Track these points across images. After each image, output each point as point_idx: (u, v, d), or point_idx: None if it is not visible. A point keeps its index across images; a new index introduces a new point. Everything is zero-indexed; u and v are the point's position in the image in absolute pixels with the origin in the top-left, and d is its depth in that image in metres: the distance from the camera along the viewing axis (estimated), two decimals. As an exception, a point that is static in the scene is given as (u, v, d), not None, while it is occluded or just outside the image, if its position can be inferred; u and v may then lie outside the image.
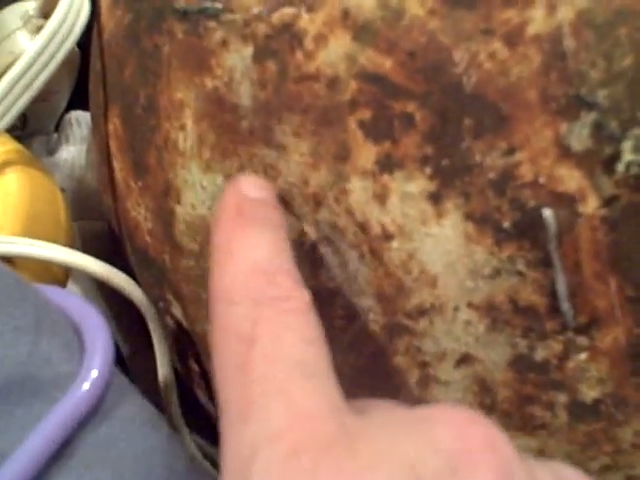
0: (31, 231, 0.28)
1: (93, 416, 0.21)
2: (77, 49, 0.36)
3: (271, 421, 0.16)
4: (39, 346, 0.22)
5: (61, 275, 0.30)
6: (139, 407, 0.23)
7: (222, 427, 0.17)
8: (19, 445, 0.20)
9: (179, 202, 0.27)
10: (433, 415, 0.17)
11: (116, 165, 0.30)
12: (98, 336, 0.23)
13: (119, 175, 0.30)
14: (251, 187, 0.21)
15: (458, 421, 0.17)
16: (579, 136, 0.19)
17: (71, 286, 0.34)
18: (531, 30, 0.19)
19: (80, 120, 0.38)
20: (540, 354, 0.21)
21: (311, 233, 0.23)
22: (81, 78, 0.38)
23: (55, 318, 0.24)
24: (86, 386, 0.22)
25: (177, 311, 0.30)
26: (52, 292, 0.24)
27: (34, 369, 0.22)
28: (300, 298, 0.19)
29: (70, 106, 0.41)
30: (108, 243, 0.37)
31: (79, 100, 0.41)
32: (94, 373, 0.22)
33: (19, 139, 0.34)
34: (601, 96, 0.19)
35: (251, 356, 0.17)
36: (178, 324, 0.31)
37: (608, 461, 0.22)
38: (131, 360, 0.35)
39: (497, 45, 0.19)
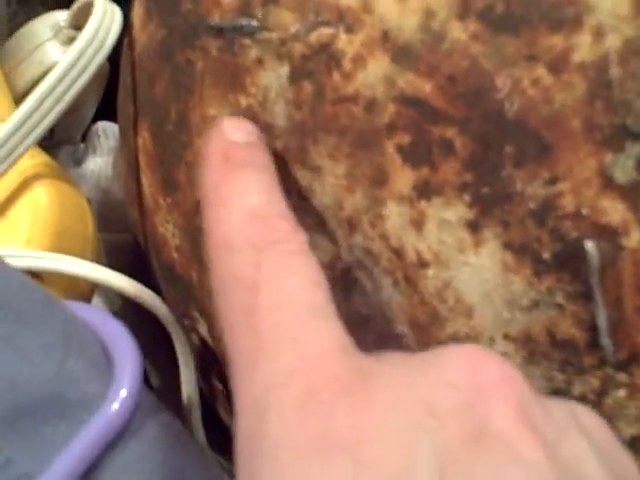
0: (59, 245, 0.28)
1: (121, 437, 0.21)
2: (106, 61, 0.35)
3: (283, 365, 0.16)
4: (67, 364, 0.22)
5: (87, 289, 0.30)
6: (167, 426, 0.23)
7: (233, 378, 0.17)
8: (47, 467, 0.20)
9: (208, 220, 0.27)
10: (445, 353, 0.17)
11: (144, 180, 0.30)
12: (126, 355, 0.23)
13: (147, 190, 0.30)
14: (235, 130, 0.21)
15: (471, 357, 0.17)
16: (624, 167, 0.19)
17: (95, 299, 0.33)
18: (577, 57, 0.19)
19: (107, 131, 0.38)
20: (577, 389, 0.20)
21: (344, 257, 0.23)
22: (108, 89, 0.38)
23: (83, 336, 0.23)
24: (115, 407, 0.21)
25: (202, 329, 0.30)
26: (80, 309, 0.24)
27: (62, 388, 0.21)
28: (299, 240, 0.19)
29: (97, 116, 0.41)
30: (132, 256, 0.37)
31: (106, 111, 0.41)
32: (123, 393, 0.22)
33: (46, 149, 0.34)
34: (649, 127, 0.18)
35: (258, 302, 0.17)
36: (203, 342, 0.30)
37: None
38: (151, 375, 0.35)
39: (541, 71, 0.19)
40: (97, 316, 0.24)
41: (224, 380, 0.30)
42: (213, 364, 0.31)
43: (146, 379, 0.35)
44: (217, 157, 0.20)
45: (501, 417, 0.15)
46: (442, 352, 0.17)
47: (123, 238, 0.37)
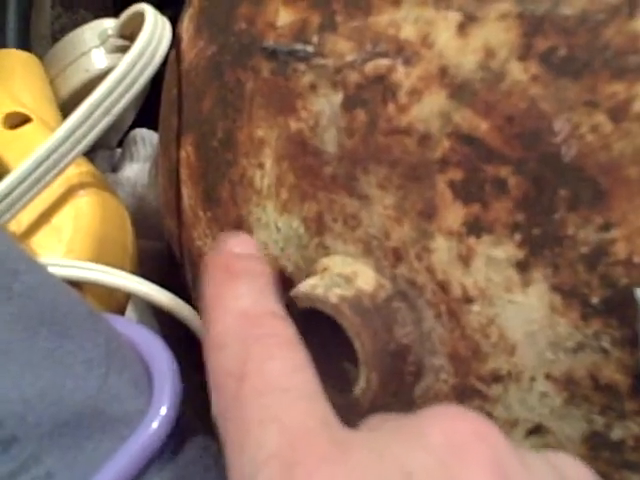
0: (99, 254, 0.28)
1: (159, 457, 0.21)
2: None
3: (267, 445, 0.17)
4: (109, 381, 0.22)
5: (123, 299, 0.30)
6: (203, 449, 0.23)
7: (226, 459, 0.18)
8: (87, 482, 0.20)
9: (250, 239, 0.27)
10: (422, 416, 0.18)
11: (185, 192, 0.30)
12: (167, 373, 0.23)
13: (187, 203, 0.30)
14: (236, 244, 0.22)
15: (446, 417, 0.17)
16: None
17: (129, 306, 0.34)
18: (637, 107, 0.19)
19: (145, 139, 0.39)
20: (617, 433, 0.21)
21: (388, 286, 0.23)
22: (146, 97, 0.38)
23: (125, 352, 0.23)
24: (155, 425, 0.21)
25: (235, 344, 0.30)
26: (121, 324, 0.24)
27: (103, 404, 0.22)
28: (284, 332, 0.20)
29: (134, 124, 0.41)
30: (163, 263, 0.37)
31: (143, 118, 0.41)
32: (163, 411, 0.22)
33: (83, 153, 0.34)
34: None
35: (244, 390, 0.18)
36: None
37: None
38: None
39: (601, 118, 0.19)
40: (138, 331, 0.25)
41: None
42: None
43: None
44: (219, 268, 0.21)
45: (477, 474, 0.16)
46: (420, 415, 0.18)
47: (155, 245, 0.37)
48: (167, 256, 0.36)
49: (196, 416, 0.25)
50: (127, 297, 0.31)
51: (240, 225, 0.27)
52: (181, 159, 0.30)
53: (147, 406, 0.22)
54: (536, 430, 0.22)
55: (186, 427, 0.23)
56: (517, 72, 0.20)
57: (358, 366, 0.23)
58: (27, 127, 0.31)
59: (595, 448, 0.21)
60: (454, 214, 0.21)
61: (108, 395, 0.22)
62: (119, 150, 0.39)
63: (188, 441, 0.22)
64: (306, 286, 0.23)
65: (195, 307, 0.31)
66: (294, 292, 0.23)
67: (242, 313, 0.20)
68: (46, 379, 0.21)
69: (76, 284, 0.27)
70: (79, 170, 0.29)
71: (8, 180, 0.27)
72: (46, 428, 0.21)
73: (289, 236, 0.25)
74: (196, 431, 0.23)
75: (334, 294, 0.23)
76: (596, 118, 0.19)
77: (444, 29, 0.21)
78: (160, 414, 0.22)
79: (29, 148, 0.28)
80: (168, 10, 0.35)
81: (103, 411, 0.22)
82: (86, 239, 0.28)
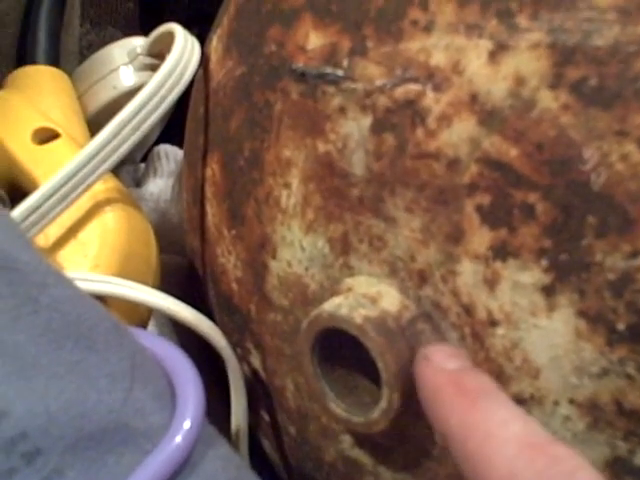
0: (125, 270, 0.29)
1: (182, 470, 0.22)
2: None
3: None
4: (133, 394, 0.22)
5: (146, 313, 0.31)
6: (225, 461, 0.23)
7: None
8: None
9: (275, 257, 0.27)
10: None
11: (209, 210, 0.31)
12: (190, 387, 0.23)
13: (212, 220, 0.31)
14: (446, 358, 0.21)
15: None
16: None
17: (151, 321, 0.34)
18: (666, 137, 0.19)
19: (169, 154, 0.39)
20: (639, 459, 0.21)
21: (412, 307, 0.23)
22: (171, 113, 0.39)
23: (149, 365, 0.24)
24: (178, 439, 0.22)
25: (255, 361, 0.30)
26: (145, 338, 0.25)
27: (127, 418, 0.22)
28: (575, 459, 0.18)
29: (158, 139, 0.41)
30: (184, 278, 0.38)
31: (166, 134, 0.42)
32: (186, 425, 0.22)
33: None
34: None
35: None
36: (254, 373, 0.31)
37: None
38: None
39: (630, 147, 0.19)
40: (162, 345, 0.25)
41: (271, 412, 0.31)
42: (262, 395, 0.31)
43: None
44: (448, 389, 0.20)
45: None
46: None
47: (177, 260, 0.38)
48: (188, 271, 0.36)
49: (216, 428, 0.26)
50: (149, 312, 0.31)
51: (265, 243, 0.27)
52: (206, 177, 0.31)
53: (170, 420, 0.22)
54: (559, 455, 0.22)
55: (208, 440, 0.23)
56: (547, 100, 0.20)
57: (380, 386, 0.23)
58: (56, 143, 0.32)
59: (618, 474, 0.21)
60: (481, 238, 0.21)
61: (132, 409, 0.22)
62: (143, 165, 0.40)
63: (211, 453, 0.22)
64: (331, 305, 0.23)
65: (214, 321, 0.31)
66: (318, 311, 0.24)
67: (523, 442, 0.18)
68: (70, 392, 0.22)
69: (101, 298, 0.27)
70: (105, 186, 0.30)
71: (36, 195, 0.28)
72: (70, 441, 0.21)
73: (314, 255, 0.26)
74: (218, 443, 0.23)
75: (359, 314, 0.23)
76: (626, 147, 0.19)
77: (475, 57, 0.21)
78: (183, 428, 0.22)
79: (58, 164, 0.29)
80: (195, 28, 0.36)
81: (126, 425, 0.22)
82: (112, 254, 0.29)
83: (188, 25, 0.34)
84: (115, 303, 0.28)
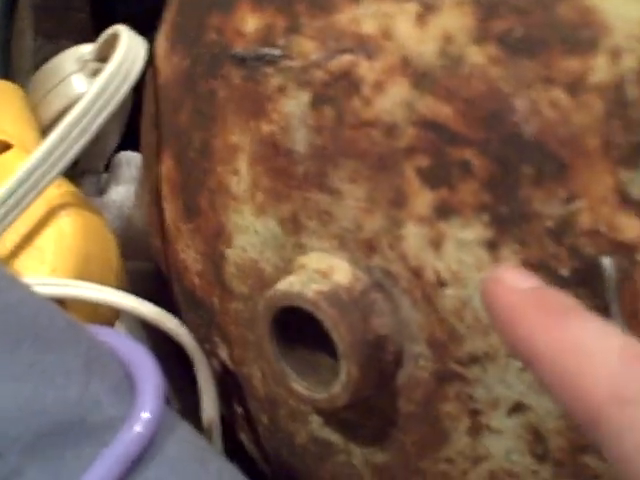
0: (84, 273, 0.29)
1: (143, 458, 0.21)
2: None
3: None
4: (89, 389, 0.22)
5: (110, 316, 0.31)
6: (187, 444, 0.23)
7: None
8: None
9: (230, 245, 0.27)
10: None
11: (166, 207, 0.31)
12: (149, 377, 0.23)
13: (169, 217, 0.31)
14: (520, 278, 0.19)
15: None
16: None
17: (118, 325, 0.34)
18: (593, 79, 0.19)
19: (130, 161, 0.39)
20: (597, 405, 0.21)
21: (363, 278, 0.23)
22: (132, 119, 0.39)
23: (106, 360, 0.24)
24: (137, 429, 0.22)
25: (223, 353, 0.30)
26: (103, 333, 0.25)
27: (85, 412, 0.22)
28: None
29: (120, 146, 0.41)
30: (154, 283, 0.38)
31: (129, 141, 0.42)
32: (145, 415, 0.22)
33: (70, 178, 0.35)
34: (664, 146, 0.19)
35: None
36: (223, 366, 0.31)
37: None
38: (172, 401, 0.35)
39: (558, 93, 0.20)
40: (120, 340, 0.25)
41: (243, 403, 0.31)
42: (233, 388, 0.31)
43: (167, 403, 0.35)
44: (528, 308, 0.18)
45: None
46: None
47: (145, 266, 0.38)
48: (157, 276, 0.36)
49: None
50: (115, 315, 0.31)
51: (220, 232, 0.27)
52: (162, 174, 0.31)
53: (130, 410, 0.22)
54: (517, 408, 0.22)
55: (170, 425, 0.23)
56: (475, 56, 0.21)
57: (338, 360, 0.23)
58: (8, 154, 0.32)
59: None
60: (423, 200, 0.21)
61: (89, 403, 0.22)
62: (106, 174, 0.40)
63: (171, 438, 0.22)
64: (284, 284, 0.23)
65: (182, 321, 0.31)
66: (272, 291, 0.24)
67: (629, 355, 0.16)
68: (27, 392, 0.22)
69: (61, 302, 0.27)
70: (59, 191, 0.30)
71: (-11, 204, 0.28)
72: (28, 440, 0.21)
73: (267, 238, 0.26)
74: (181, 428, 0.23)
75: (311, 289, 0.23)
76: (554, 94, 0.20)
77: (403, 21, 0.22)
78: (142, 417, 0.22)
79: (10, 174, 0.29)
80: (150, 34, 0.36)
81: (85, 419, 0.22)
82: (69, 258, 0.29)
83: (143, 31, 0.34)
84: (75, 306, 0.28)
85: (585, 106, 0.19)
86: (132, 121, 0.38)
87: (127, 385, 0.23)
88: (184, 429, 0.23)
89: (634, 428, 0.15)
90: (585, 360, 0.16)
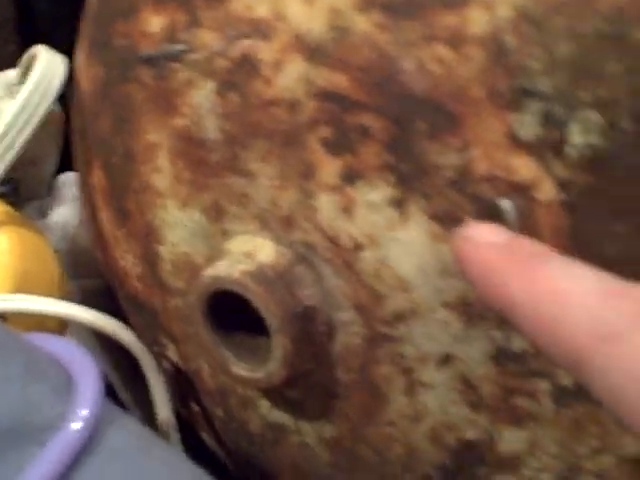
0: (23, 289, 0.29)
1: (85, 453, 0.22)
2: (62, 111, 0.37)
3: None
4: (29, 392, 0.23)
5: (56, 328, 0.31)
6: (131, 435, 0.23)
7: None
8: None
9: (161, 242, 0.28)
10: None
11: (102, 217, 0.31)
12: (87, 374, 0.23)
13: (105, 226, 0.31)
14: (489, 233, 0.19)
15: None
16: (528, 126, 0.20)
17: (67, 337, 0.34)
18: (472, 31, 0.20)
19: (70, 181, 0.39)
20: (516, 344, 0.21)
21: (286, 254, 0.24)
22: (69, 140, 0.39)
23: (45, 364, 0.24)
24: (76, 425, 0.22)
25: (172, 353, 0.31)
26: (39, 338, 0.25)
27: (25, 415, 0.22)
28: None
29: (61, 169, 0.42)
30: (108, 299, 0.38)
31: (69, 162, 0.42)
32: (84, 412, 0.22)
33: (13, 205, 0.35)
34: (545, 85, 0.19)
35: None
36: (174, 366, 0.31)
37: (597, 444, 0.22)
38: (135, 407, 0.35)
39: (441, 49, 0.20)
40: (59, 344, 0.25)
41: (198, 400, 0.31)
42: (187, 387, 0.31)
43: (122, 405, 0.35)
44: (502, 261, 0.18)
45: None
46: None
47: (96, 283, 0.38)
48: (109, 292, 0.37)
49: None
50: (60, 328, 0.32)
51: (150, 231, 0.28)
52: (94, 185, 0.31)
53: (69, 408, 0.22)
54: (445, 360, 0.22)
55: (112, 419, 0.23)
56: (362, 24, 0.21)
57: (271, 336, 0.23)
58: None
59: (501, 364, 0.22)
60: (330, 169, 0.22)
61: (30, 406, 0.22)
62: (48, 198, 0.40)
63: (115, 431, 0.23)
64: (210, 270, 0.24)
65: (131, 328, 0.32)
66: (201, 278, 0.24)
67: (606, 292, 0.16)
68: None
69: (2, 317, 0.27)
70: (-5, 211, 0.30)
71: None
72: None
73: (194, 230, 0.26)
74: (124, 420, 0.24)
75: (236, 271, 0.23)
76: (437, 50, 0.20)
77: (292, 1, 0.22)
78: (81, 414, 0.22)
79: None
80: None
81: (25, 421, 0.22)
82: (7, 274, 0.29)
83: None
84: (17, 320, 0.28)
85: (467, 58, 0.20)
86: (68, 144, 0.39)
87: (67, 386, 0.24)
88: (127, 422, 0.24)
89: (617, 364, 0.15)
90: (563, 303, 0.17)
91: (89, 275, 0.39)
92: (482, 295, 0.19)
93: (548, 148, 0.19)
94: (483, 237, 0.19)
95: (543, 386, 0.21)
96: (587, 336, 0.16)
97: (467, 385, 0.22)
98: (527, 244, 0.18)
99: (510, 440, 0.23)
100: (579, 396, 0.21)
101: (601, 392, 0.16)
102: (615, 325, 0.16)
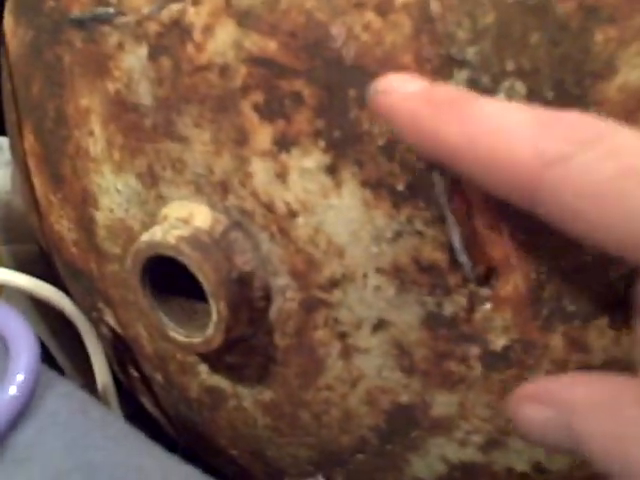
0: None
1: (21, 417, 0.22)
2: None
3: None
4: None
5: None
6: (68, 398, 0.23)
7: None
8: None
9: (97, 208, 0.27)
10: None
11: (36, 181, 0.31)
12: (22, 340, 0.23)
13: (40, 191, 0.31)
14: (404, 83, 0.18)
15: None
16: (456, 94, 0.20)
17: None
18: (400, -1, 0.20)
19: (3, 145, 0.39)
20: (448, 309, 0.22)
21: (222, 220, 0.24)
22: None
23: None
24: (12, 390, 0.22)
25: (110, 318, 0.31)
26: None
27: None
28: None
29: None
30: (43, 265, 0.37)
31: (2, 127, 0.41)
32: (20, 377, 0.22)
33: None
34: (470, 53, 0.20)
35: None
36: (113, 332, 0.31)
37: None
38: (74, 374, 0.35)
39: (370, 16, 0.20)
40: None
41: (137, 366, 0.31)
42: (126, 352, 0.31)
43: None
44: (426, 109, 0.18)
45: None
46: None
47: (30, 248, 0.37)
48: (43, 257, 0.36)
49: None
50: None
51: (86, 197, 0.28)
52: (26, 150, 0.31)
53: (3, 375, 0.22)
54: (379, 325, 0.23)
55: (48, 383, 0.23)
56: (293, -11, 0.21)
57: (208, 301, 0.23)
58: None
59: (433, 329, 0.22)
60: (263, 135, 0.22)
61: None
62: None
63: (51, 394, 0.23)
64: (146, 235, 0.24)
65: (69, 294, 0.31)
66: (137, 243, 0.24)
67: (539, 120, 0.16)
68: None
69: None
70: None
71: None
72: None
73: (129, 195, 0.26)
74: (60, 384, 0.24)
75: (172, 236, 0.23)
76: (366, 17, 0.20)
77: (223, -36, 0.22)
78: (17, 380, 0.22)
79: None
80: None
81: None
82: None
83: None
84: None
85: (395, 25, 0.20)
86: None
87: (1, 352, 0.23)
88: (65, 387, 0.24)
89: (567, 184, 0.16)
90: (500, 137, 0.16)
91: (24, 241, 0.38)
92: (419, 147, 0.18)
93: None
94: (401, 87, 0.18)
95: (474, 351, 0.22)
96: (532, 164, 0.16)
97: (401, 350, 0.23)
98: (445, 89, 0.18)
99: (442, 403, 0.23)
100: (508, 360, 0.22)
101: (556, 216, 0.16)
102: (557, 149, 0.16)
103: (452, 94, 0.18)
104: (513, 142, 0.16)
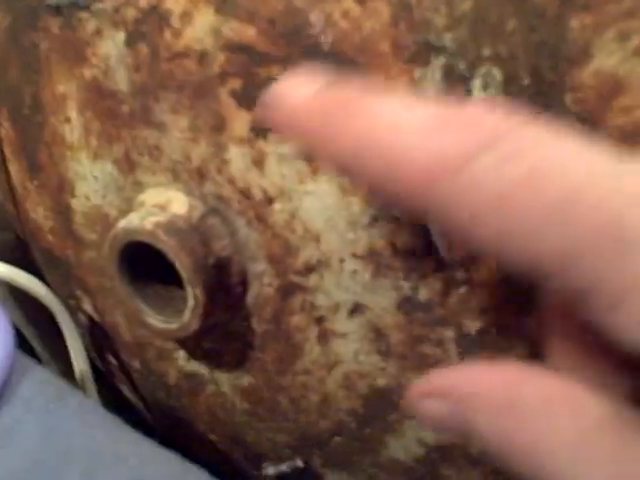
0: None
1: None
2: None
3: None
4: None
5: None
6: (44, 385, 0.23)
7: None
8: None
9: (74, 195, 0.27)
10: None
11: (12, 169, 0.31)
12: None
13: (16, 178, 0.31)
14: (292, 89, 0.17)
15: None
16: (432, 79, 0.20)
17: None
18: (378, -14, 0.20)
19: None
20: (423, 294, 0.22)
21: (199, 206, 0.24)
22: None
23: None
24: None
25: (87, 306, 0.31)
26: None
27: None
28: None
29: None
30: (19, 253, 0.37)
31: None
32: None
33: None
34: (447, 40, 0.20)
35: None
36: (90, 319, 0.31)
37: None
38: (51, 361, 0.35)
39: (349, 3, 0.20)
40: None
41: (115, 353, 0.31)
42: (103, 339, 0.31)
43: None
44: (317, 117, 0.16)
45: None
46: None
47: (7, 236, 0.37)
48: (18, 244, 0.36)
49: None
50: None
51: (63, 184, 0.28)
52: (2, 137, 0.31)
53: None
54: (356, 309, 0.23)
55: (23, 368, 0.23)
56: (270, -24, 0.21)
57: (184, 288, 0.23)
58: None
59: (409, 313, 0.22)
60: (241, 122, 0.22)
61: None
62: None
63: (26, 381, 0.23)
64: (123, 222, 0.24)
65: (46, 282, 0.31)
66: (114, 230, 0.24)
67: (441, 119, 0.15)
68: None
69: None
70: None
71: None
72: None
73: (106, 182, 0.26)
74: (36, 371, 0.24)
75: (149, 222, 0.23)
76: (345, 4, 0.20)
77: (201, -50, 0.22)
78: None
79: None
80: None
81: None
82: None
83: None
84: None
85: (373, 12, 0.20)
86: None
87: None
88: (40, 372, 0.24)
89: (465, 188, 0.15)
90: (402, 136, 0.15)
91: (0, 228, 0.38)
92: (321, 155, 0.17)
93: (452, 102, 0.20)
94: (294, 94, 0.17)
95: (448, 334, 0.22)
96: (429, 170, 0.15)
97: (377, 334, 0.23)
98: (343, 88, 0.17)
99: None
100: (483, 343, 0.22)
101: (455, 223, 0.15)
102: (456, 151, 0.15)
103: (349, 95, 0.17)
104: (408, 144, 0.15)
